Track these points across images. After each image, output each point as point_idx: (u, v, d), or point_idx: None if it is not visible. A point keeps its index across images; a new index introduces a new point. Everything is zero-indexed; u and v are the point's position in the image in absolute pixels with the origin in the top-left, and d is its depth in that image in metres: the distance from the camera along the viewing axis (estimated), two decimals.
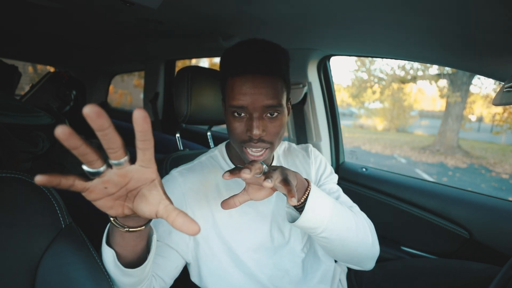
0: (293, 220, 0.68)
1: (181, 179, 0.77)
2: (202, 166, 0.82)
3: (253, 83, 0.66)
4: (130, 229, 0.51)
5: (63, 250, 0.49)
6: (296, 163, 0.89)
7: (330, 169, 0.93)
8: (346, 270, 0.99)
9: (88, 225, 0.66)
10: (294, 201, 0.52)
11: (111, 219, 0.50)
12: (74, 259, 0.49)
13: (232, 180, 0.79)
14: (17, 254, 0.45)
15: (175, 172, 0.79)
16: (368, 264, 0.79)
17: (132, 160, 0.40)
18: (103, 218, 0.50)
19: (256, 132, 0.65)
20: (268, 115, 0.68)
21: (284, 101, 0.71)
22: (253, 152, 0.70)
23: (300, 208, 0.65)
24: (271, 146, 0.71)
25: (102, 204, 0.42)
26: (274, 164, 0.86)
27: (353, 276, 1.01)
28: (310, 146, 0.95)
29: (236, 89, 0.67)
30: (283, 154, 0.91)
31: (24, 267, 0.46)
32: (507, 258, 0.77)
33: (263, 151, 0.70)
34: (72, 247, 0.50)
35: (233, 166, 0.82)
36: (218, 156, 0.85)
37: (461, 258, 1.10)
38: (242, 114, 0.68)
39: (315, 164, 0.91)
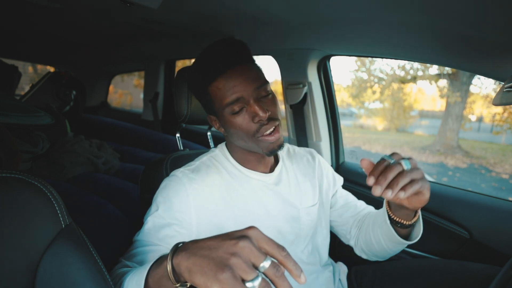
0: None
1: (185, 179, 0.75)
2: (206, 167, 0.80)
3: (237, 74, 0.69)
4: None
5: (63, 250, 0.48)
6: (300, 167, 0.90)
7: (333, 174, 0.97)
8: (346, 270, 0.99)
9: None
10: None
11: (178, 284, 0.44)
12: (74, 259, 0.49)
13: (236, 180, 0.79)
14: (17, 254, 0.45)
15: (178, 173, 0.77)
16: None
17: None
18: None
19: (262, 114, 0.69)
20: (262, 97, 0.72)
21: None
22: (268, 132, 0.72)
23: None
24: (279, 122, 0.74)
25: None
26: (278, 166, 0.86)
27: (353, 276, 1.01)
28: (314, 151, 0.97)
29: (224, 87, 0.70)
30: (287, 156, 0.91)
31: (24, 267, 0.46)
32: (507, 258, 0.77)
33: (276, 129, 0.73)
34: (72, 247, 0.50)
35: (238, 165, 0.81)
36: (220, 155, 0.84)
37: (461, 258, 1.09)
38: (241, 108, 0.70)
39: (318, 170, 0.92)
